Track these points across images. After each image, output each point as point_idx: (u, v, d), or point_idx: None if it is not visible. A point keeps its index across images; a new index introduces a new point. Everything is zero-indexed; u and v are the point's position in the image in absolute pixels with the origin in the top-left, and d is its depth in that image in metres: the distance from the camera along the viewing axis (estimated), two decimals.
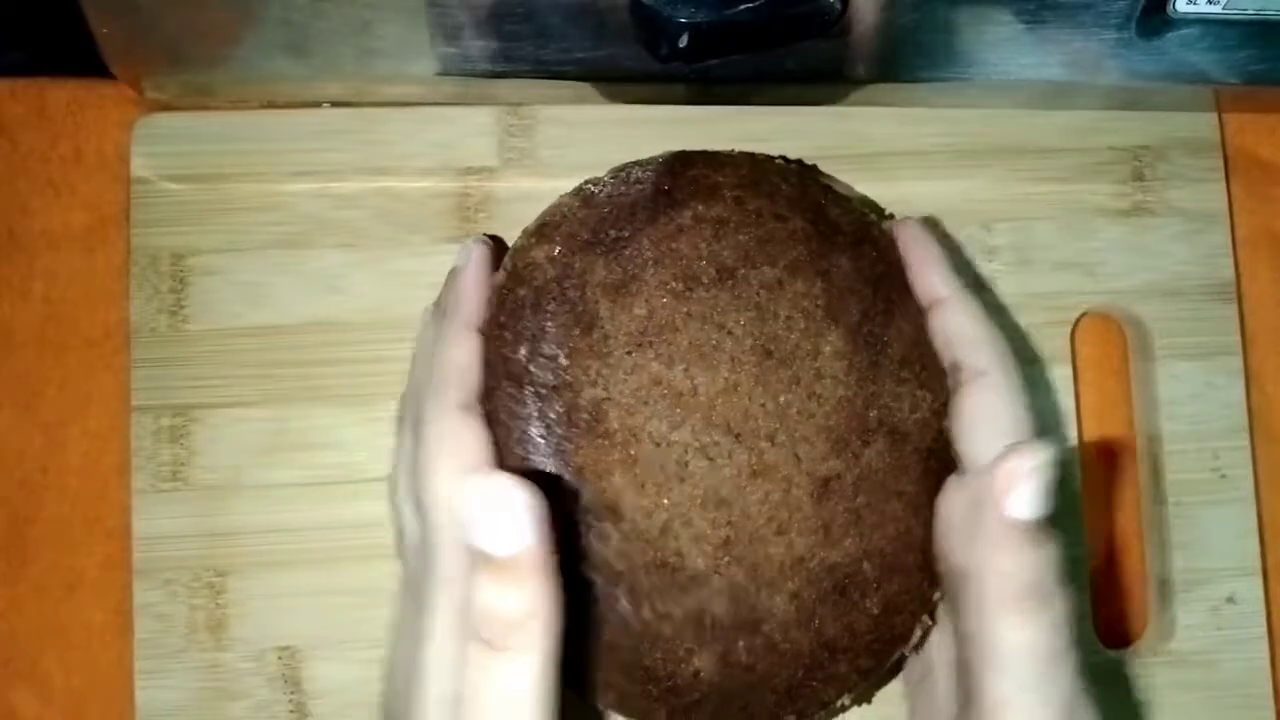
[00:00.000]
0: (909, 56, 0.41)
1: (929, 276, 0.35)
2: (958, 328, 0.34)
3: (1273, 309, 0.46)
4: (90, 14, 0.38)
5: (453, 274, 0.36)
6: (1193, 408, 0.44)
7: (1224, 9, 0.38)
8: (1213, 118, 0.45)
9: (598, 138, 0.43)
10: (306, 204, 0.43)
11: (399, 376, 0.40)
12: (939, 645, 0.36)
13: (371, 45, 0.40)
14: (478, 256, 0.36)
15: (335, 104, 0.44)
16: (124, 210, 0.42)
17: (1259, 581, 0.43)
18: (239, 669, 0.40)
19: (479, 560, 0.28)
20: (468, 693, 0.29)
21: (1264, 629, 0.43)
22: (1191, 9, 0.38)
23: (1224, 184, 0.45)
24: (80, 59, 0.40)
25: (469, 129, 0.43)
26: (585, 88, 0.42)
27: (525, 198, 0.42)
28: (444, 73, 0.41)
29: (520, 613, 0.28)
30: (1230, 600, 0.43)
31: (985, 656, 0.29)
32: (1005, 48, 0.40)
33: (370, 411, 0.41)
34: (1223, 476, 0.43)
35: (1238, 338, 0.44)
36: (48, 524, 0.42)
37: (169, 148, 0.42)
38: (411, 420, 0.35)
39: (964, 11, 0.39)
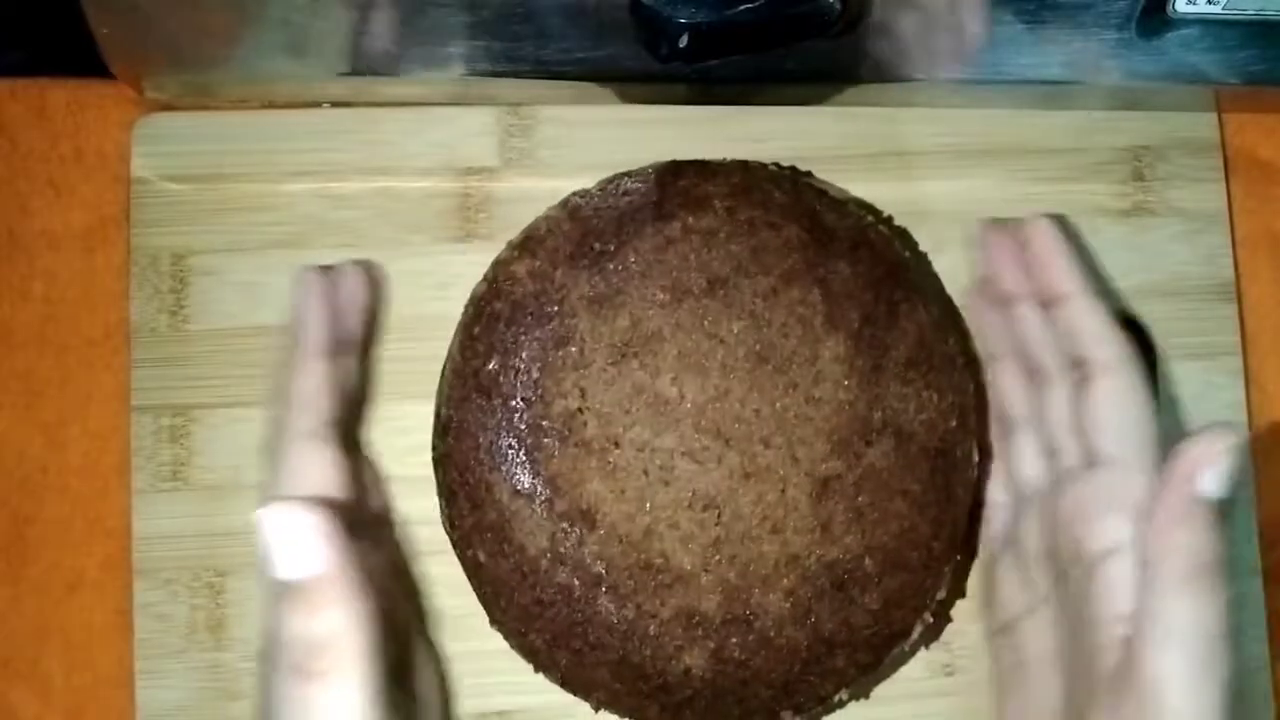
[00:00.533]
0: (909, 56, 0.41)
1: (1054, 272, 0.36)
2: (1081, 323, 0.35)
3: (1273, 309, 0.46)
4: (90, 14, 0.38)
5: (296, 304, 0.37)
6: (1193, 408, 0.44)
7: (1224, 9, 0.38)
8: (1213, 118, 0.45)
9: (598, 138, 0.43)
10: (306, 204, 0.43)
11: (399, 377, 0.40)
12: (1034, 637, 0.36)
13: (371, 45, 0.40)
14: (315, 285, 0.37)
15: (335, 104, 0.44)
16: (124, 210, 0.42)
17: (1259, 581, 0.43)
18: (239, 669, 0.40)
19: (280, 589, 0.28)
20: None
21: (1264, 629, 0.43)
22: (1191, 9, 0.38)
23: (1224, 184, 0.45)
24: (80, 59, 0.40)
25: (469, 129, 0.43)
26: (585, 88, 0.42)
27: (525, 198, 0.42)
28: (443, 73, 0.41)
29: (325, 635, 0.28)
30: (1230, 600, 0.43)
31: (1152, 633, 0.30)
32: (1005, 48, 0.40)
33: (370, 411, 0.41)
34: None
35: (1238, 338, 0.44)
36: (48, 524, 0.42)
37: (169, 148, 0.42)
38: (269, 454, 0.35)
39: (964, 12, 0.39)
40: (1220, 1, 0.38)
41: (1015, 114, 0.44)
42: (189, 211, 0.42)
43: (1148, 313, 0.44)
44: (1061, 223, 0.38)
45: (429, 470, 0.38)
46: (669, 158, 0.39)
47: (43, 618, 0.42)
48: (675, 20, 0.34)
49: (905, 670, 0.41)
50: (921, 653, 0.41)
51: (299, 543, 0.28)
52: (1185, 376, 0.44)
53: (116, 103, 0.43)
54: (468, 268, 0.39)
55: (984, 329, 0.41)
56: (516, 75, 0.41)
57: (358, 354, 0.39)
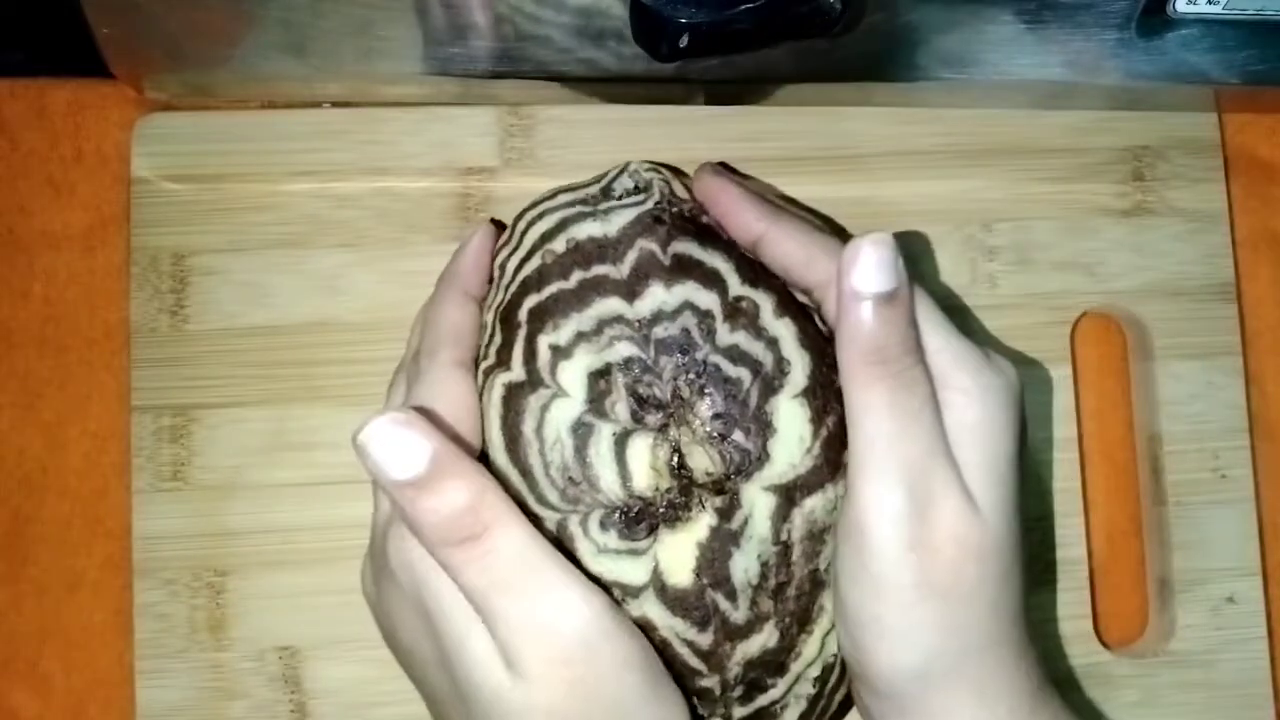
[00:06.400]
0: (909, 56, 0.41)
1: (741, 217, 0.35)
2: (786, 254, 0.35)
3: (1273, 309, 0.46)
4: (90, 14, 0.38)
5: (459, 248, 0.37)
6: (1193, 408, 0.44)
7: (1224, 9, 0.38)
8: (1213, 118, 0.45)
9: (598, 138, 0.43)
10: (306, 204, 0.43)
11: None
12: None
13: (371, 45, 0.40)
14: (484, 233, 0.37)
15: (335, 104, 0.44)
16: (124, 210, 0.42)
17: (1259, 581, 0.43)
18: (239, 669, 0.40)
19: (406, 491, 0.29)
20: (485, 586, 0.29)
21: (1264, 629, 0.43)
22: (1191, 9, 0.38)
23: (1224, 184, 0.45)
24: (80, 59, 0.40)
25: (469, 129, 0.43)
26: (585, 88, 0.42)
27: (525, 198, 0.41)
28: (444, 73, 0.41)
29: (471, 496, 0.29)
30: (1230, 600, 0.43)
31: (847, 418, 0.31)
32: (1005, 48, 0.40)
33: (370, 411, 0.41)
34: (1223, 476, 0.43)
35: (1238, 338, 0.44)
36: (48, 524, 0.42)
37: (169, 148, 0.42)
38: (405, 377, 0.35)
39: (964, 11, 0.39)
40: (1220, 1, 0.38)
41: (1015, 114, 0.44)
42: (189, 211, 0.42)
43: (1148, 313, 0.44)
44: (724, 168, 0.36)
45: None
46: (669, 158, 0.38)
47: (43, 618, 0.42)
48: (675, 20, 0.34)
49: None
50: None
51: (404, 442, 0.29)
52: (1185, 376, 0.44)
53: (116, 103, 0.43)
54: None
55: None
56: (516, 75, 0.41)
57: None
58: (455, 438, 0.32)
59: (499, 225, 0.38)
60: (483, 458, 0.34)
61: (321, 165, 0.43)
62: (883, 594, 0.30)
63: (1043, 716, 0.32)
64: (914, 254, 0.42)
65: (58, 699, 0.41)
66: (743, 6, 0.34)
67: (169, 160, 0.42)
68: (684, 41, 0.34)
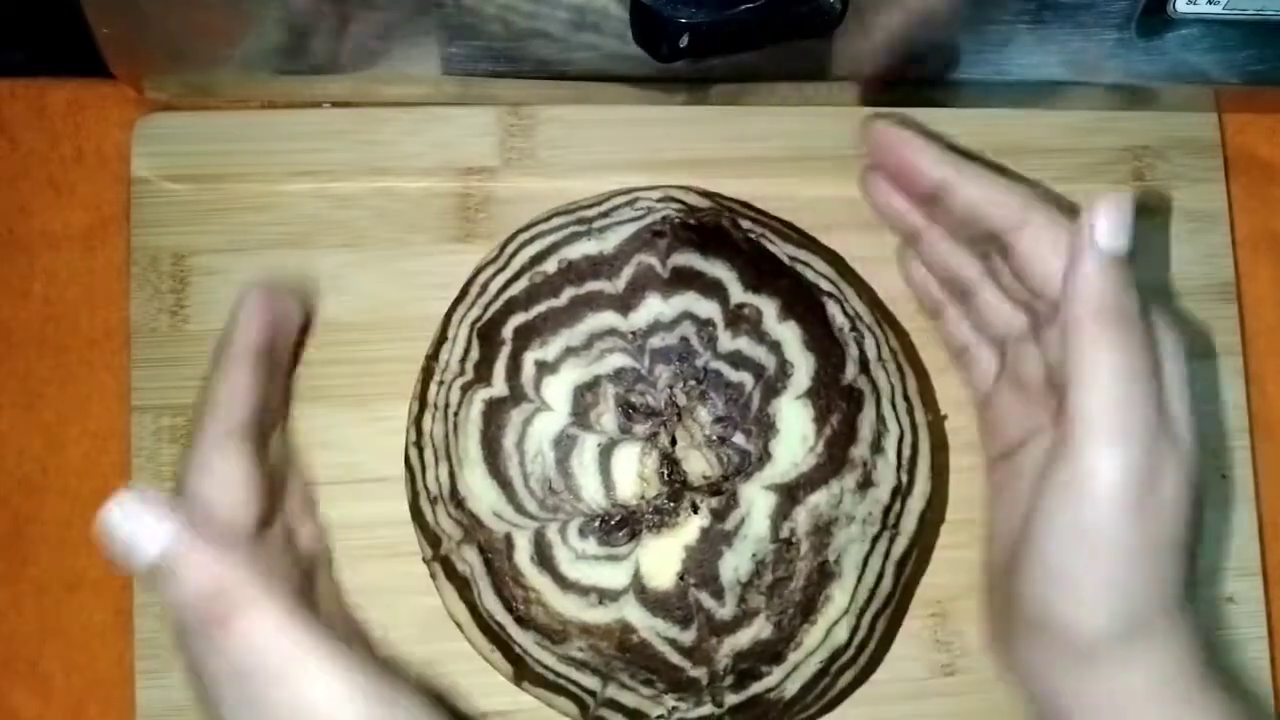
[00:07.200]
0: (909, 56, 0.41)
1: (921, 164, 0.36)
2: (971, 199, 0.35)
3: (1273, 309, 0.46)
4: (90, 14, 0.38)
5: (230, 319, 0.36)
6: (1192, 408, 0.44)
7: (1224, 9, 0.38)
8: (1213, 118, 0.45)
9: (598, 138, 0.43)
10: (306, 204, 0.43)
11: (399, 376, 0.40)
12: (1034, 459, 0.35)
13: (371, 45, 0.40)
14: (255, 300, 0.36)
15: (335, 104, 0.44)
16: (124, 210, 0.42)
17: (1259, 581, 0.43)
18: None
19: (154, 575, 0.29)
20: (242, 668, 0.29)
21: (1264, 629, 0.43)
22: (1191, 9, 0.38)
23: (1224, 184, 0.45)
24: (80, 59, 0.41)
25: (469, 129, 0.43)
26: (585, 88, 0.42)
27: (525, 198, 0.42)
28: (444, 73, 0.41)
29: (213, 581, 0.29)
30: (1230, 600, 0.43)
31: (1072, 375, 0.31)
32: (1005, 48, 0.40)
33: (370, 411, 0.41)
34: (1223, 477, 0.43)
35: (1238, 338, 0.44)
36: (48, 524, 0.42)
37: (169, 148, 0.42)
38: (184, 452, 0.35)
39: (964, 12, 0.39)
40: (1220, 1, 0.38)
41: (1015, 114, 0.44)
42: (189, 211, 0.42)
43: None
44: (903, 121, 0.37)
45: None
46: (669, 158, 0.38)
47: (43, 618, 0.42)
48: (675, 20, 0.34)
49: (905, 670, 0.41)
50: (921, 653, 0.41)
51: (143, 528, 0.29)
52: None
53: (116, 103, 0.43)
54: (467, 268, 0.39)
55: (887, 212, 0.40)
56: (517, 75, 0.41)
57: (281, 370, 0.39)
58: (214, 517, 0.32)
59: (273, 298, 0.37)
60: (449, 474, 0.34)
61: (321, 165, 0.43)
62: (1098, 553, 0.30)
63: (1212, 686, 0.32)
64: None
65: (58, 699, 0.41)
66: (743, 6, 0.34)
67: (169, 160, 0.42)
68: (684, 41, 0.34)
